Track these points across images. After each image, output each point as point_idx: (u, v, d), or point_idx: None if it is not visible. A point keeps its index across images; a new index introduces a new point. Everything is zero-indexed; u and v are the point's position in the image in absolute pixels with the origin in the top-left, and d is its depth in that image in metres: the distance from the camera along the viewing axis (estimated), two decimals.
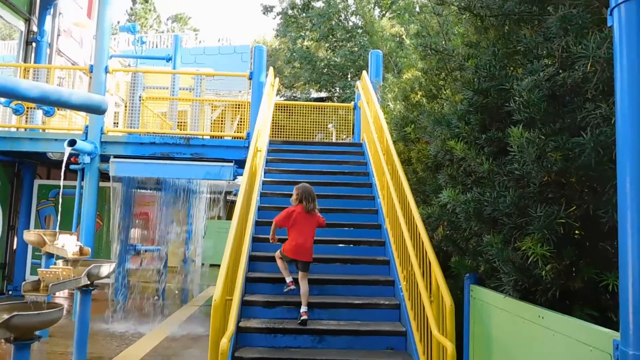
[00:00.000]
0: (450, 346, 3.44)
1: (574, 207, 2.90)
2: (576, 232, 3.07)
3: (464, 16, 4.25)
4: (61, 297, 9.76)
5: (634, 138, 2.11)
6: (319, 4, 23.25)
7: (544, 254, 2.82)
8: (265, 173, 7.52)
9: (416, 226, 4.55)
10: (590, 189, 2.97)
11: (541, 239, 2.89)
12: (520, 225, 3.14)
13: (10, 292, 9.72)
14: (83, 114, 9.10)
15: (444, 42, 5.34)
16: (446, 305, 3.67)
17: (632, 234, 2.08)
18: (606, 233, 2.81)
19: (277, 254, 5.15)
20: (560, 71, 3.13)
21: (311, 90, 24.05)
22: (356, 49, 21.17)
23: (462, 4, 3.94)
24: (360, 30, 21.57)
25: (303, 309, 4.77)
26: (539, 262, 2.84)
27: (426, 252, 4.20)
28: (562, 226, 2.88)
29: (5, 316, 3.84)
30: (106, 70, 8.56)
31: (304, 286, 4.89)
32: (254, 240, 5.87)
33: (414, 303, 4.48)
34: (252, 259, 5.57)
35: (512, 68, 3.79)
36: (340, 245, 6.09)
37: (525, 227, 3.08)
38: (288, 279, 5.00)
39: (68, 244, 6.02)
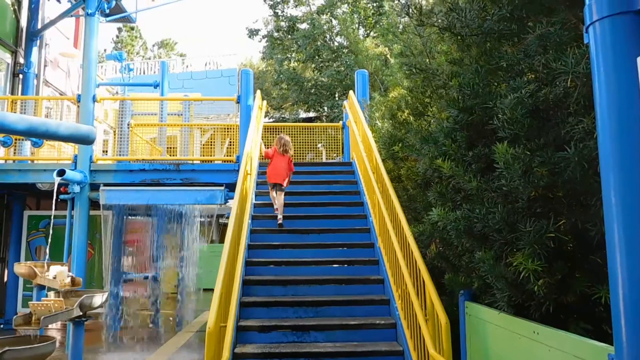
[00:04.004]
0: None
1: (563, 221, 2.93)
2: (567, 246, 3.09)
3: (446, 35, 4.32)
4: (54, 328, 9.62)
5: (615, 152, 2.15)
6: (304, 26, 23.51)
7: (535, 269, 2.84)
8: (256, 196, 7.52)
9: (408, 244, 4.56)
10: (577, 203, 3.00)
11: (532, 254, 2.91)
12: (511, 241, 3.16)
13: (1, 326, 9.56)
14: (72, 143, 9.08)
15: (427, 61, 5.42)
16: (441, 323, 3.66)
17: (619, 246, 2.10)
18: (596, 246, 2.84)
19: (270, 189, 7.11)
20: (542, 87, 3.19)
21: (299, 110, 24.18)
22: (342, 68, 21.37)
23: (443, 25, 4.01)
24: (345, 50, 21.80)
25: (279, 216, 6.72)
26: (530, 277, 2.86)
27: (420, 270, 4.20)
28: (551, 240, 2.90)
29: None
30: (94, 100, 8.57)
31: (279, 201, 6.87)
32: (247, 264, 5.85)
33: (410, 322, 4.47)
34: (245, 283, 5.54)
35: (495, 84, 3.85)
36: (335, 265, 6.07)
37: (515, 242, 3.10)
38: (279, 217, 6.77)
39: (59, 275, 5.97)
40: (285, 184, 7.10)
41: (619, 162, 2.12)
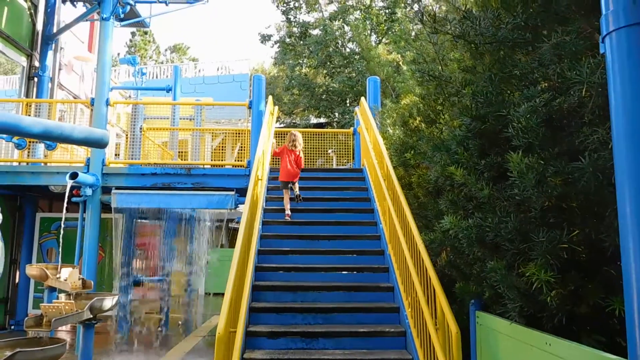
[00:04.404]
0: None
1: (576, 232, 2.91)
2: (581, 256, 3.06)
3: (459, 43, 4.31)
4: (64, 330, 9.68)
5: (631, 162, 2.13)
6: (316, 32, 23.58)
7: (548, 279, 2.81)
8: (266, 201, 7.53)
9: (419, 252, 4.54)
10: (591, 213, 2.97)
11: (545, 264, 2.88)
12: (523, 251, 3.14)
13: (12, 327, 9.63)
14: (85, 146, 9.16)
15: (440, 68, 5.41)
16: (452, 332, 3.63)
17: (634, 258, 2.08)
18: (610, 257, 2.81)
19: (281, 187, 7.53)
20: (557, 96, 3.17)
21: (310, 116, 24.23)
22: (354, 74, 21.39)
23: (457, 32, 4.00)
24: (357, 57, 21.81)
25: (287, 212, 7.13)
26: (543, 288, 2.83)
27: (430, 279, 4.18)
28: (565, 251, 2.88)
29: (8, 353, 3.82)
30: (107, 103, 8.65)
31: (295, 191, 7.43)
32: (257, 269, 5.85)
33: (420, 330, 4.44)
34: (255, 288, 5.54)
35: (508, 92, 3.83)
36: (344, 272, 6.06)
37: (528, 252, 3.07)
38: (287, 211, 7.13)
39: (70, 277, 6.01)
40: (296, 180, 7.56)
41: (635, 173, 2.11)
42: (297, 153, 7.71)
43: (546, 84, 3.43)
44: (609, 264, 2.89)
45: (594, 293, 2.88)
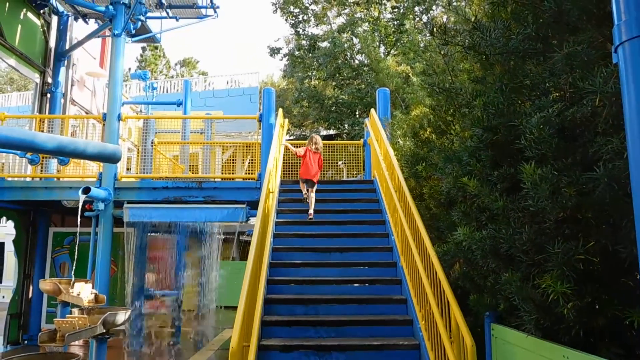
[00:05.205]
0: None
1: (592, 243, 2.87)
2: (597, 267, 3.02)
3: (470, 54, 4.31)
4: (76, 345, 9.69)
5: None
6: (325, 44, 23.70)
7: (564, 291, 2.78)
8: (277, 214, 7.54)
9: (432, 264, 4.50)
10: (607, 224, 2.94)
11: (560, 275, 2.85)
12: (538, 262, 3.10)
13: (25, 342, 9.67)
14: (98, 161, 9.24)
15: (450, 79, 5.41)
16: (467, 345, 3.59)
17: None
18: (627, 268, 2.77)
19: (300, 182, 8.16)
20: (569, 106, 3.15)
21: (320, 128, 24.27)
22: (363, 86, 21.43)
23: (467, 44, 4.00)
24: (366, 68, 21.87)
25: (310, 211, 7.50)
26: (559, 300, 2.79)
27: (444, 291, 4.14)
28: (581, 262, 2.84)
29: None
30: (119, 118, 8.73)
31: (312, 197, 7.68)
32: (269, 282, 5.84)
33: (434, 343, 4.40)
34: (267, 301, 5.53)
35: (519, 103, 3.82)
36: (356, 284, 6.03)
37: (543, 264, 3.04)
38: (304, 194, 7.91)
39: (83, 292, 6.03)
40: (316, 180, 8.03)
41: None
42: (319, 154, 8.35)
43: (558, 94, 3.41)
44: (627, 275, 2.85)
45: (611, 305, 2.84)
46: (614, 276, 2.94)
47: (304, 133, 25.08)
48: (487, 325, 3.89)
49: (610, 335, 2.95)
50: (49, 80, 11.16)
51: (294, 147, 8.77)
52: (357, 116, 21.67)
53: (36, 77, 10.96)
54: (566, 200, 2.91)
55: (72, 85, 11.83)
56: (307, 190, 7.86)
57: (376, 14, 24.07)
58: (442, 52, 5.44)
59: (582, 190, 2.89)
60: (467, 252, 3.88)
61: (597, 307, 2.94)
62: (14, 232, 10.04)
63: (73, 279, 6.21)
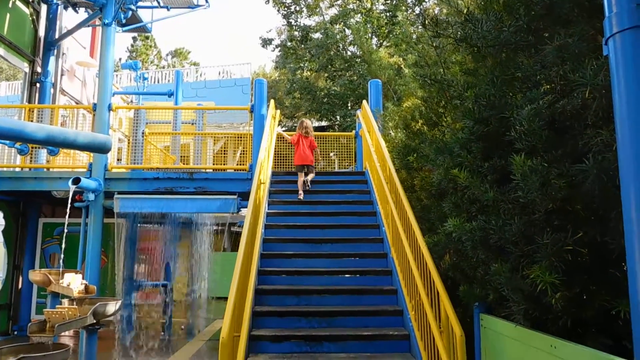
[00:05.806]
0: None
1: (581, 234, 2.90)
2: (585, 258, 3.05)
3: (462, 46, 4.31)
4: (66, 336, 9.67)
5: (636, 164, 2.12)
6: (317, 36, 23.62)
7: (553, 282, 2.80)
8: (268, 205, 7.53)
9: (422, 255, 4.53)
10: (596, 216, 2.96)
11: (549, 266, 2.87)
12: (528, 253, 3.13)
13: (15, 333, 9.64)
14: (88, 152, 9.18)
15: (442, 71, 5.41)
16: (456, 335, 3.62)
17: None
18: (615, 259, 2.80)
19: (296, 170, 8.17)
20: (559, 98, 3.16)
21: (312, 119, 24.23)
22: (355, 77, 21.40)
23: (459, 36, 4.00)
24: (358, 60, 21.83)
25: (307, 178, 7.93)
26: (548, 290, 2.82)
27: (434, 281, 4.17)
28: (569, 253, 2.87)
29: (12, 359, 3.82)
30: (109, 109, 8.67)
31: (309, 177, 8.00)
32: (260, 273, 5.85)
33: (424, 333, 4.43)
34: (258, 292, 5.53)
35: (511, 95, 3.83)
36: (347, 275, 6.05)
37: (532, 254, 3.07)
38: (300, 193, 7.77)
39: (73, 282, 6.01)
40: (312, 164, 8.27)
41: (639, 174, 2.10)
42: (311, 138, 8.55)
43: (549, 86, 3.42)
44: (615, 266, 2.88)
45: (599, 295, 2.87)
46: (602, 267, 2.97)
47: (295, 124, 25.04)
48: (477, 316, 3.92)
49: (598, 326, 2.98)
50: (39, 69, 11.05)
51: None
52: (349, 108, 21.65)
53: (25, 67, 10.84)
54: (556, 192, 2.93)
55: (61, 75, 11.73)
56: (304, 183, 7.90)
57: (369, 5, 24.00)
58: (434, 44, 5.43)
59: (571, 182, 2.91)
60: (457, 243, 3.90)
61: (585, 297, 2.97)
62: (3, 222, 9.96)
63: (62, 268, 6.19)
